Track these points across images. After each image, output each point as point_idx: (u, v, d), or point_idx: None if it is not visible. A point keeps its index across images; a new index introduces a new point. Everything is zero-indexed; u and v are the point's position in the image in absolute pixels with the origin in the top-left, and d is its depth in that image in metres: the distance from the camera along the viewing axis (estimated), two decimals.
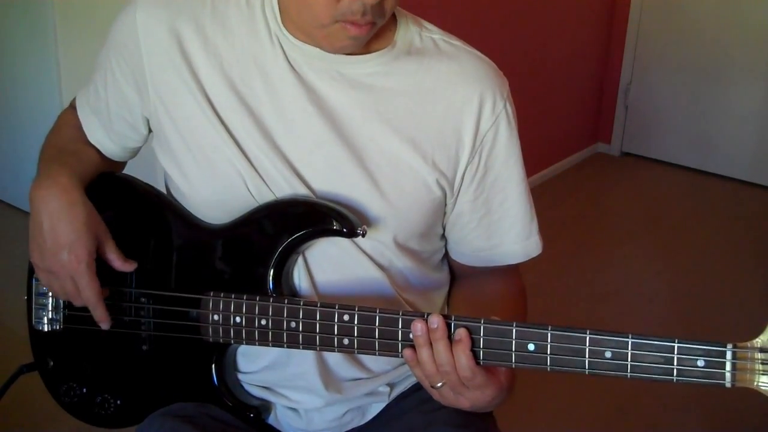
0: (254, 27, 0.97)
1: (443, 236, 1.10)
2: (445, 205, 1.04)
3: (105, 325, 1.01)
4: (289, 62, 0.96)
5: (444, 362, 0.88)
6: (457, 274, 1.15)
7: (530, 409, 2.26)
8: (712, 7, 3.94)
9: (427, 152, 0.99)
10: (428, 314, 0.89)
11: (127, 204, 1.06)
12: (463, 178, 1.02)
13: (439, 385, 0.90)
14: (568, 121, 4.17)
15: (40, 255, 0.97)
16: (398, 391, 1.12)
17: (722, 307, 2.88)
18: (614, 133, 4.40)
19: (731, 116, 4.01)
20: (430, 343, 0.88)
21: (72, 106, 1.13)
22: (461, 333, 0.88)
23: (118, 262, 1.00)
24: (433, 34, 1.03)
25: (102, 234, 0.99)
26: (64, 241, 0.95)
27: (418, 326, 0.88)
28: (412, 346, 0.90)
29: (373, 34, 0.94)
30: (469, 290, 1.13)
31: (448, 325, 0.89)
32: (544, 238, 1.09)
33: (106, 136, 1.08)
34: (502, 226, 1.06)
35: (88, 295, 0.97)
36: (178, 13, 0.98)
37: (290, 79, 0.96)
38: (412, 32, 1.01)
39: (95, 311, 0.99)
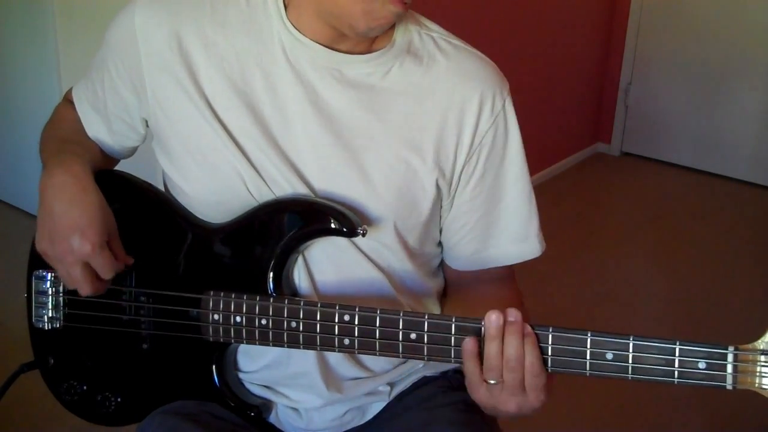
0: (255, 26, 0.97)
1: (440, 243, 1.09)
2: (442, 207, 1.04)
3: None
4: (289, 61, 0.96)
5: (512, 357, 0.85)
6: (451, 282, 1.13)
7: None
8: (713, 7, 3.94)
9: (426, 152, 0.99)
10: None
11: (127, 202, 1.06)
12: (460, 178, 1.02)
13: (492, 381, 0.87)
14: (568, 121, 4.17)
15: (50, 241, 0.95)
16: (398, 390, 1.12)
17: (722, 306, 2.88)
18: (614, 133, 4.40)
19: (731, 116, 4.01)
20: (502, 337, 0.85)
21: (67, 100, 1.13)
22: (528, 328, 0.86)
23: (120, 255, 0.99)
24: (433, 33, 1.02)
25: (110, 224, 0.97)
26: (76, 225, 0.93)
27: (493, 318, 0.85)
28: (475, 338, 0.87)
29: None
30: (464, 294, 1.10)
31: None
32: (544, 238, 1.08)
33: (107, 134, 1.08)
34: (498, 227, 1.05)
35: (108, 274, 0.96)
36: (178, 15, 0.97)
37: (290, 78, 0.96)
38: (411, 31, 1.01)
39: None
